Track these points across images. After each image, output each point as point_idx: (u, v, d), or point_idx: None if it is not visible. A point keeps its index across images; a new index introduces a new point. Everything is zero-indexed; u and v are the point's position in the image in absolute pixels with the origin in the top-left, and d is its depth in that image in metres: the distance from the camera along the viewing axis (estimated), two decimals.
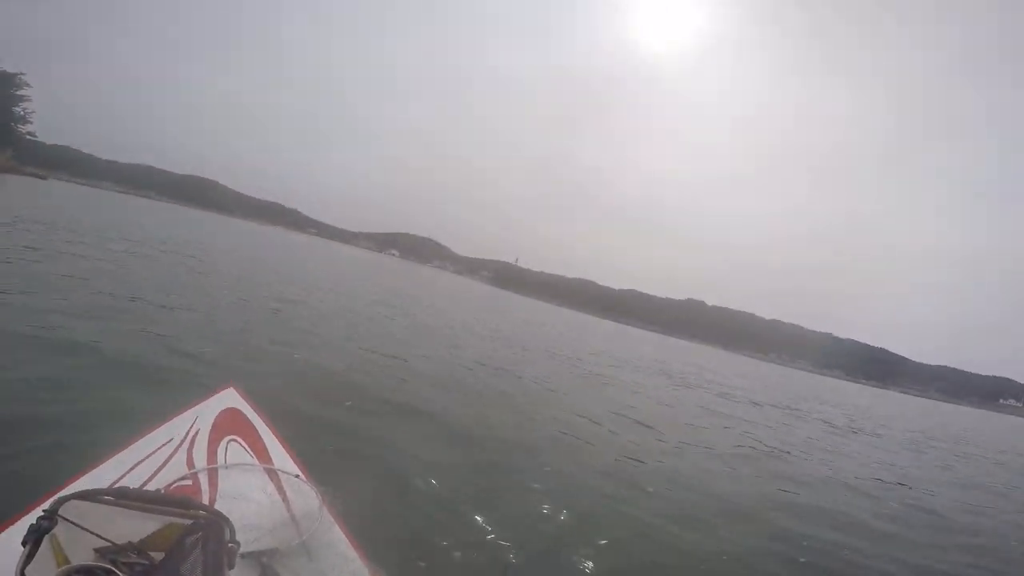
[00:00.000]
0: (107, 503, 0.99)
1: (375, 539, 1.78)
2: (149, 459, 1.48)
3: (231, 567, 0.95)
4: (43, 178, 36.71)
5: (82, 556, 0.95)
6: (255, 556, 1.20)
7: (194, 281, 8.56)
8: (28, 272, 6.06)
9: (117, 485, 1.33)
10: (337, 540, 1.43)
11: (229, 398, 1.88)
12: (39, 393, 2.90)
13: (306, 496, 1.54)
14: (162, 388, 3.35)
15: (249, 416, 1.82)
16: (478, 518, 2.74)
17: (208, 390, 1.90)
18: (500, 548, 2.51)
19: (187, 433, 1.63)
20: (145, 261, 9.56)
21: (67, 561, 0.92)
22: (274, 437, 1.78)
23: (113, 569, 0.93)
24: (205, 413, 1.76)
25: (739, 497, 4.20)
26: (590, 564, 2.60)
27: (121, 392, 3.19)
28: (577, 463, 4.09)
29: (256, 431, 1.77)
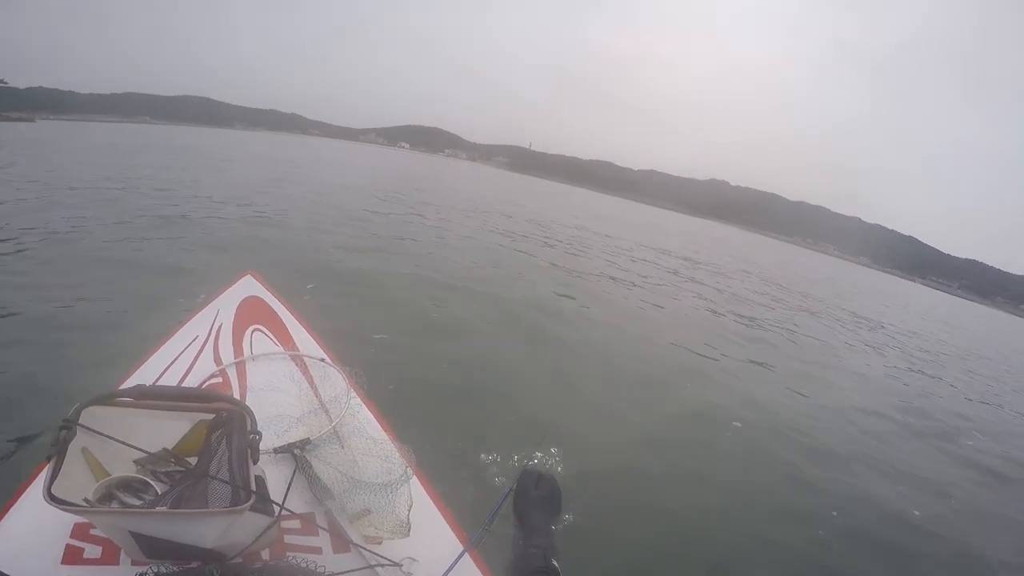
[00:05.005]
0: (126, 404, 0.94)
1: (402, 416, 1.81)
2: (177, 361, 1.46)
3: (255, 460, 0.89)
4: (30, 120, 34.30)
5: (121, 468, 0.92)
6: (288, 449, 1.19)
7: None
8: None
9: None
10: (365, 422, 1.42)
11: (248, 286, 1.83)
12: None
13: (333, 380, 1.53)
14: None
15: (270, 302, 1.78)
16: (508, 386, 2.84)
17: (227, 280, 1.85)
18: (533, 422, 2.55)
19: (211, 328, 1.60)
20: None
21: (106, 473, 0.88)
22: (296, 321, 1.75)
23: (148, 480, 0.91)
24: (226, 305, 1.71)
25: None
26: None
27: None
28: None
29: (278, 317, 1.73)
